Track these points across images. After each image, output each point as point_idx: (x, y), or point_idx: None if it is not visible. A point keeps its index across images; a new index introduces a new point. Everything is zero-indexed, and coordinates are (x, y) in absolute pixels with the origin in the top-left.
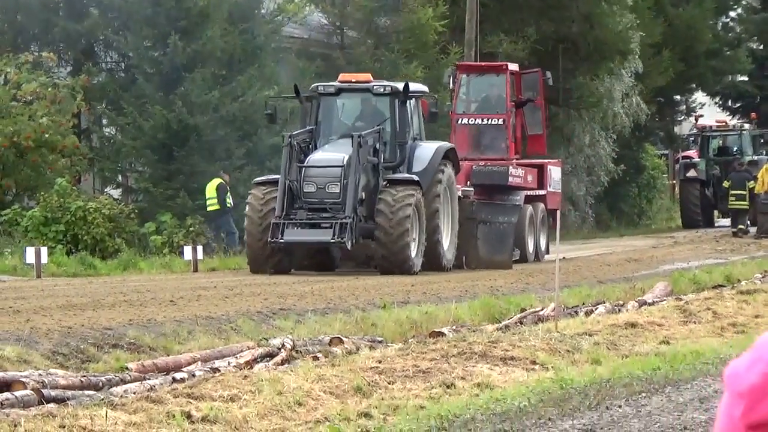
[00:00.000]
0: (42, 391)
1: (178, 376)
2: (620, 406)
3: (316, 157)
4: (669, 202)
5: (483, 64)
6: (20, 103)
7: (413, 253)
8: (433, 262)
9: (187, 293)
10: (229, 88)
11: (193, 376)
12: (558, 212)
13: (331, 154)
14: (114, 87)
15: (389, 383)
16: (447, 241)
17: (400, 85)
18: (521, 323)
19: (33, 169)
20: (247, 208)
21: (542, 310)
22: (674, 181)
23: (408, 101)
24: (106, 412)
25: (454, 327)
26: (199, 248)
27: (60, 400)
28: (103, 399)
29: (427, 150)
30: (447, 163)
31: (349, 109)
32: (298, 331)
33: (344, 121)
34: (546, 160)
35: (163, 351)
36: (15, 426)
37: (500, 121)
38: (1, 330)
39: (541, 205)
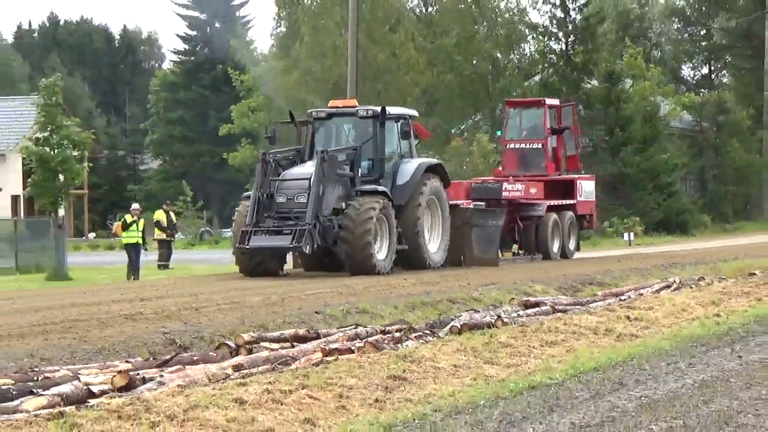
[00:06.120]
0: (554, 307)
1: (622, 297)
2: None
3: (290, 171)
4: None
5: (526, 99)
6: None
7: (381, 255)
8: (417, 262)
9: (629, 255)
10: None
11: (629, 297)
12: (594, 216)
13: (304, 169)
14: None
15: (729, 299)
16: (434, 245)
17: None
18: None
19: None
20: (233, 222)
21: None
22: None
23: (390, 123)
24: (586, 316)
25: (762, 270)
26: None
27: (563, 311)
28: (585, 310)
29: (411, 166)
30: (432, 177)
31: (340, 131)
32: (682, 274)
33: (335, 141)
34: (577, 176)
35: (614, 285)
36: (541, 324)
37: (539, 145)
38: (547, 277)
39: (569, 213)
